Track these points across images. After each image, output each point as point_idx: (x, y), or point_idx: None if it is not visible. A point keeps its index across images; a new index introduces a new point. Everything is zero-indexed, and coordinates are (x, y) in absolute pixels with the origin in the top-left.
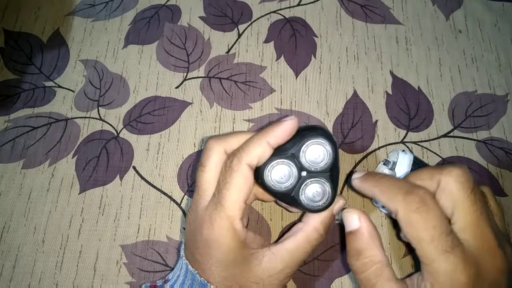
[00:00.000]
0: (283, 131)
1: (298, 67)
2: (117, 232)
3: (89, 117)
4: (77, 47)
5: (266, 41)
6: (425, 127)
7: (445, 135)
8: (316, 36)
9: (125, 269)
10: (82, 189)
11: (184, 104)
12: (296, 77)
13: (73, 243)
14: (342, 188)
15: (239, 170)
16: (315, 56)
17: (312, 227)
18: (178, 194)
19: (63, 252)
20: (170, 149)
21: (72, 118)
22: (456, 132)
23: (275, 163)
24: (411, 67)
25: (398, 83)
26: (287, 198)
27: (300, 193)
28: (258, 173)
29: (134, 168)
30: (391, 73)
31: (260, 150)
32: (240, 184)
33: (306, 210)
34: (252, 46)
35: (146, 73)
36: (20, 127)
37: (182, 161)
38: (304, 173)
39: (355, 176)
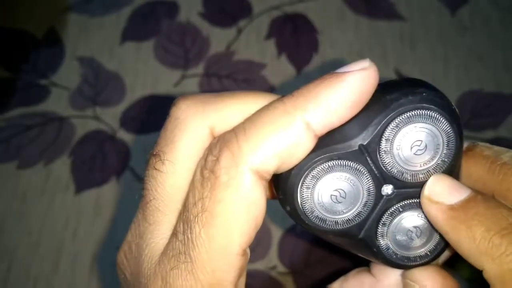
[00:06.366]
0: (345, 97)
1: (299, 64)
2: (114, 234)
3: (85, 116)
4: (72, 44)
5: (267, 37)
6: None
7: None
8: (318, 33)
9: None
10: (78, 190)
11: None
12: (298, 74)
13: (69, 246)
14: None
15: (234, 185)
16: (317, 53)
17: None
18: None
19: (59, 255)
20: None
21: (67, 117)
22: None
23: (323, 168)
24: (416, 64)
25: None
26: (351, 242)
27: (378, 233)
28: (281, 188)
29: (131, 168)
30: (396, 71)
31: (287, 139)
32: (236, 217)
33: (389, 264)
34: (252, 43)
35: (143, 71)
36: (15, 126)
37: None
38: (388, 189)
39: None
